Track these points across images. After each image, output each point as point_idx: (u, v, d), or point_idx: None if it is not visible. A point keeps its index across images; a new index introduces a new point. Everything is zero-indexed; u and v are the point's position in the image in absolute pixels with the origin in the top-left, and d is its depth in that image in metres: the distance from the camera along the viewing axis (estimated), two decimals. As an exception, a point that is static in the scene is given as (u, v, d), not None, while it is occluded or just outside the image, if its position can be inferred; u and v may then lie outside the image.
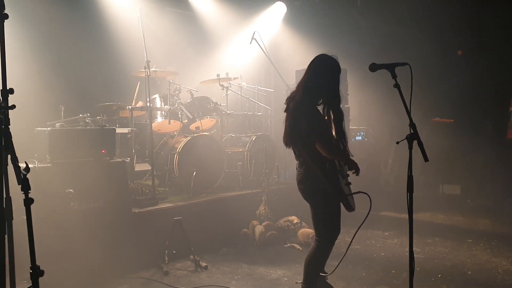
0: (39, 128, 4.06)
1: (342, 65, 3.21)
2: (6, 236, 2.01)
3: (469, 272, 4.18)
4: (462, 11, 7.14)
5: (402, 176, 6.05)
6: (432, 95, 7.35)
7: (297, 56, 7.70)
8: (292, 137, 3.12)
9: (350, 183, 3.18)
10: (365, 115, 7.90)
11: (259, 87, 7.24)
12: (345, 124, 3.14)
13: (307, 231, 5.10)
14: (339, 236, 3.17)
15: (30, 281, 1.99)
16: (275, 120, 7.42)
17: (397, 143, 2.60)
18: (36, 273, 1.99)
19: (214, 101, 6.03)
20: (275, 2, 8.05)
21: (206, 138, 5.65)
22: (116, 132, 4.64)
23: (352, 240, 3.18)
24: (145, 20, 5.24)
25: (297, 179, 3.19)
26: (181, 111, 5.75)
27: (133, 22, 5.39)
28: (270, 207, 5.39)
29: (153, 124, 5.40)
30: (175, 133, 5.84)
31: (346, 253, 3.18)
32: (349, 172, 3.17)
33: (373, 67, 2.65)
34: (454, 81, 7.25)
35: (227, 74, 6.35)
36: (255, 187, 5.89)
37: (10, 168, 2.01)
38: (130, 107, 5.36)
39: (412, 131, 2.46)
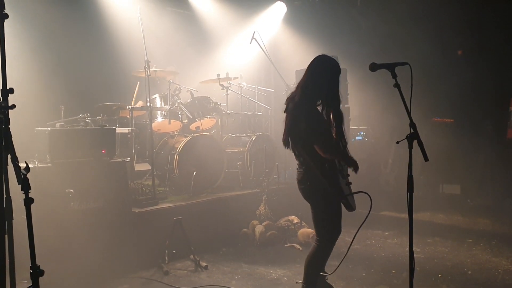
0: (39, 128, 4.06)
1: (342, 65, 3.21)
2: (6, 236, 2.01)
3: (469, 272, 4.18)
4: (462, 11, 7.14)
5: (402, 176, 6.05)
6: (432, 95, 7.35)
7: (297, 56, 7.70)
8: (291, 137, 3.13)
9: (350, 183, 3.18)
10: (365, 115, 7.90)
11: (259, 87, 7.24)
12: (344, 125, 3.14)
13: (307, 231, 5.10)
14: (339, 236, 3.17)
15: (30, 280, 1.99)
16: (275, 120, 7.42)
17: (397, 142, 2.61)
18: (36, 273, 1.99)
19: (214, 101, 6.03)
20: (275, 2, 8.05)
21: (206, 138, 5.65)
22: (116, 132, 4.63)
23: (353, 240, 3.18)
24: (145, 20, 5.24)
25: (297, 179, 3.19)
26: (181, 111, 5.75)
27: (133, 22, 5.39)
28: (270, 207, 5.39)
29: (153, 124, 5.40)
30: (175, 133, 5.84)
31: (347, 253, 3.18)
32: (348, 170, 3.18)
33: (373, 67, 2.65)
34: (454, 81, 7.25)
35: (227, 74, 6.35)
36: (255, 187, 5.89)
37: (10, 168, 2.01)
38: (130, 107, 5.36)
39: (412, 130, 2.46)
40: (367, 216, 3.05)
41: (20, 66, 4.77)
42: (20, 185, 1.97)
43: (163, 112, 5.82)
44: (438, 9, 7.39)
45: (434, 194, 7.62)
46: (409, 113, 2.49)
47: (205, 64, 7.31)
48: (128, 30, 6.03)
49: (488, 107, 7.35)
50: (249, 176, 6.03)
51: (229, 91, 6.42)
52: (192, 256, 4.37)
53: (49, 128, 3.98)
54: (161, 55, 6.43)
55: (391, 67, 2.60)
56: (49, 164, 3.85)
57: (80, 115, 4.97)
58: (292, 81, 6.69)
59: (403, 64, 2.60)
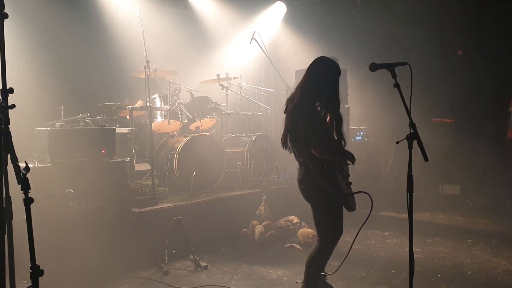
0: (39, 128, 4.06)
1: (342, 65, 3.21)
2: (6, 236, 2.01)
3: (469, 272, 4.18)
4: (462, 11, 7.14)
5: (402, 176, 6.07)
6: (432, 95, 7.35)
7: (297, 56, 7.70)
8: (291, 138, 3.13)
9: (350, 183, 3.18)
10: (365, 115, 7.89)
11: (259, 87, 7.25)
12: (344, 126, 3.14)
13: (307, 231, 5.10)
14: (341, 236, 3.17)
15: (30, 280, 1.99)
16: (275, 120, 7.42)
17: (397, 142, 2.60)
18: (36, 272, 1.99)
19: (214, 101, 6.03)
20: (275, 2, 8.05)
21: (206, 138, 5.65)
22: (116, 132, 4.63)
23: (354, 241, 3.17)
24: (145, 20, 5.24)
25: (297, 179, 3.19)
26: (181, 111, 5.75)
27: (133, 22, 5.39)
28: (270, 207, 5.39)
29: (153, 124, 5.40)
30: (175, 133, 5.84)
31: (348, 254, 3.18)
32: (348, 170, 3.18)
33: (373, 67, 2.65)
34: (454, 81, 7.25)
35: (227, 74, 6.35)
36: (255, 187, 5.89)
37: (10, 167, 2.01)
38: (129, 106, 5.36)
39: (412, 131, 2.46)
40: (368, 217, 3.05)
41: (20, 66, 4.77)
42: (20, 185, 1.97)
43: (163, 112, 5.82)
44: (438, 9, 7.39)
45: (434, 194, 7.63)
46: (409, 113, 2.49)
47: (205, 64, 7.32)
48: (128, 30, 6.03)
49: (488, 107, 7.36)
50: (249, 176, 6.04)
51: (229, 91, 6.42)
52: (192, 256, 4.36)
53: (48, 128, 3.98)
54: (161, 55, 6.43)
55: (391, 67, 2.60)
56: (48, 164, 3.84)
57: (80, 115, 4.97)
58: (292, 81, 6.70)
59: (403, 64, 2.60)
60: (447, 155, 7.04)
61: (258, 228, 5.11)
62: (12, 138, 2.02)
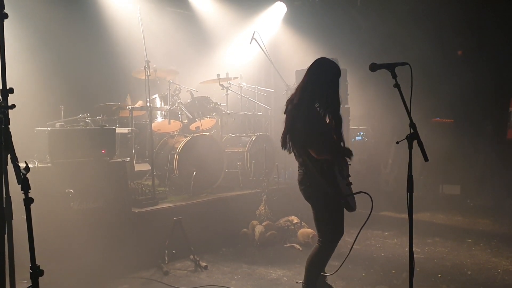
0: (39, 128, 4.06)
1: (342, 65, 3.21)
2: (6, 236, 2.01)
3: (469, 272, 4.18)
4: (462, 11, 7.14)
5: (402, 176, 6.07)
6: (432, 95, 7.35)
7: (297, 56, 7.71)
8: (290, 138, 3.13)
9: (351, 183, 3.18)
10: (365, 115, 7.90)
11: (259, 87, 7.24)
12: (343, 127, 3.15)
13: (307, 231, 5.10)
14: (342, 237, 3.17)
15: (30, 280, 1.99)
16: (275, 120, 7.42)
17: (397, 143, 2.60)
18: (36, 272, 1.99)
19: (214, 101, 6.03)
20: (275, 2, 8.04)
21: (206, 138, 5.65)
22: (116, 132, 4.63)
23: (354, 241, 3.17)
24: (145, 20, 5.24)
25: (298, 180, 3.19)
26: (181, 111, 5.75)
27: (133, 22, 5.39)
28: (270, 207, 5.39)
29: (153, 124, 5.40)
30: (175, 133, 5.84)
31: (348, 254, 3.17)
32: (349, 171, 3.18)
33: (373, 67, 2.65)
34: (454, 81, 7.25)
35: (227, 74, 6.35)
36: (255, 187, 5.89)
37: (10, 168, 2.01)
38: (130, 106, 5.36)
39: (412, 131, 2.46)
40: (368, 217, 3.05)
41: (20, 66, 4.77)
42: (20, 185, 1.97)
43: (163, 112, 5.82)
44: (438, 9, 7.39)
45: (434, 194, 7.63)
46: (409, 113, 2.49)
47: (205, 64, 7.31)
48: (128, 30, 6.04)
49: (488, 108, 7.36)
50: (249, 176, 6.04)
51: (229, 91, 6.42)
52: (192, 256, 4.37)
53: (49, 128, 3.98)
54: (161, 55, 6.43)
55: (391, 67, 2.60)
56: (49, 164, 3.84)
57: (80, 115, 4.97)
58: (292, 81, 6.70)
59: (403, 64, 2.60)
60: (447, 155, 7.04)
61: (258, 228, 5.11)
62: (12, 138, 2.02)
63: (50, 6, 5.40)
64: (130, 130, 5.28)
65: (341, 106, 3.16)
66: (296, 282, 3.80)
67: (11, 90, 2.02)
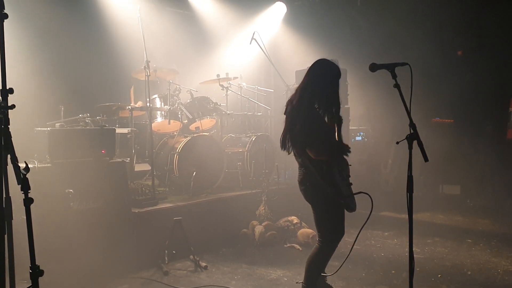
0: (39, 128, 4.06)
1: (342, 66, 3.21)
2: (6, 236, 2.01)
3: (469, 272, 4.18)
4: (462, 11, 7.14)
5: (402, 176, 6.05)
6: (432, 95, 7.35)
7: (297, 56, 7.71)
8: (290, 139, 3.13)
9: (351, 184, 3.18)
10: (365, 116, 7.90)
11: (259, 87, 7.24)
12: (343, 128, 3.15)
13: (307, 231, 5.10)
14: (342, 237, 3.17)
15: (30, 281, 1.99)
16: (275, 120, 7.42)
17: (397, 143, 2.60)
18: (36, 273, 1.99)
19: (214, 101, 6.03)
20: (275, 2, 8.05)
21: (206, 138, 5.65)
22: (116, 132, 4.63)
23: (354, 242, 3.17)
24: (145, 20, 5.24)
25: (298, 180, 3.19)
26: (181, 111, 5.75)
27: (133, 22, 5.39)
28: (270, 207, 5.39)
29: (153, 124, 5.40)
30: (175, 133, 5.84)
31: (349, 254, 3.17)
32: (349, 171, 3.18)
33: (373, 67, 2.65)
34: (454, 81, 7.25)
35: (227, 74, 6.35)
36: (255, 187, 5.89)
37: (10, 168, 2.01)
38: (130, 107, 5.36)
39: (412, 131, 2.46)
40: (368, 217, 3.04)
41: (20, 66, 4.77)
42: (20, 185, 1.97)
43: (163, 113, 5.82)
44: (438, 9, 7.39)
45: (434, 194, 7.62)
46: (409, 113, 2.49)
47: (205, 64, 7.32)
48: (128, 30, 6.04)
49: (488, 108, 7.35)
50: (249, 177, 6.03)
51: (229, 92, 6.42)
52: (191, 257, 4.36)
53: (48, 128, 3.98)
54: (161, 55, 6.44)
55: (391, 68, 2.60)
56: (48, 164, 3.85)
57: (80, 115, 4.96)
58: (292, 82, 6.70)
59: (403, 64, 2.59)
60: (447, 155, 7.04)
61: (258, 229, 5.11)
62: (12, 138, 2.02)
63: (50, 6, 5.41)
64: (130, 130, 5.28)
65: (341, 106, 3.16)
66: (296, 282, 3.80)
67: (11, 90, 2.02)
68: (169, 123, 5.75)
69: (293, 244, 5.05)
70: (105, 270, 3.90)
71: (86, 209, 3.99)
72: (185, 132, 5.90)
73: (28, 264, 1.98)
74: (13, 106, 2.03)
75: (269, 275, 4.12)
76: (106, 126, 4.73)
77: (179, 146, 5.36)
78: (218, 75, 6.23)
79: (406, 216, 2.48)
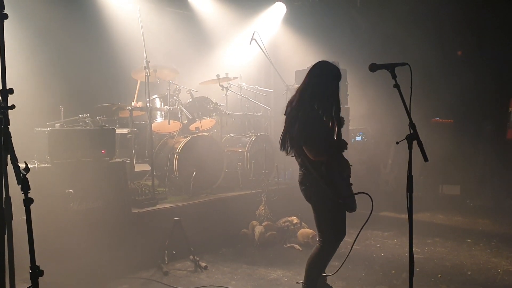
0: (39, 128, 4.06)
1: (342, 66, 3.22)
2: (6, 236, 2.01)
3: (469, 272, 4.18)
4: (462, 11, 7.14)
5: (402, 176, 6.06)
6: (432, 95, 7.35)
7: (297, 57, 7.71)
8: (289, 139, 3.13)
9: (351, 184, 3.18)
10: (365, 116, 7.90)
11: (258, 88, 7.25)
12: (343, 129, 3.15)
13: (307, 231, 5.10)
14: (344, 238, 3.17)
15: (30, 281, 1.99)
16: (275, 120, 7.42)
17: (397, 143, 2.60)
18: (36, 273, 1.99)
19: (214, 101, 6.03)
20: (275, 2, 8.05)
21: (205, 138, 5.65)
22: (116, 132, 4.63)
23: (354, 242, 3.17)
24: (145, 20, 5.24)
25: (298, 180, 3.20)
26: (180, 111, 5.75)
27: (132, 22, 5.39)
28: (269, 207, 5.38)
29: (152, 125, 5.40)
30: (175, 133, 5.84)
31: (348, 254, 3.17)
32: (350, 171, 3.18)
33: (373, 67, 2.66)
34: (454, 81, 7.25)
35: (226, 74, 6.34)
36: (254, 187, 5.89)
37: (10, 168, 2.01)
38: (129, 107, 5.36)
39: (412, 131, 2.46)
40: (368, 218, 3.04)
41: (20, 66, 4.78)
42: (20, 186, 1.97)
43: (163, 113, 5.82)
44: (438, 9, 7.39)
45: (433, 194, 7.62)
46: (408, 113, 2.49)
47: (205, 65, 7.32)
48: (128, 30, 6.04)
49: (488, 108, 7.36)
50: (249, 177, 6.03)
51: (228, 92, 6.42)
52: (191, 257, 4.36)
53: (48, 129, 3.98)
54: (161, 55, 6.44)
55: (390, 68, 2.60)
56: (48, 165, 3.85)
57: (80, 115, 4.96)
58: (291, 82, 6.70)
59: (402, 64, 2.60)
60: (447, 155, 7.04)
61: (258, 229, 5.11)
62: (12, 139, 2.02)
63: (50, 6, 5.41)
64: (130, 131, 5.28)
65: (341, 107, 3.16)
66: (296, 282, 3.80)
67: (11, 91, 2.02)
68: (169, 123, 5.75)
69: (293, 244, 5.05)
70: (105, 270, 3.90)
71: (86, 209, 3.99)
72: (185, 132, 5.90)
73: (28, 264, 1.98)
74: (13, 106, 2.04)
75: (269, 275, 4.12)
76: (106, 126, 4.73)
77: (179, 146, 5.36)
78: (218, 75, 6.23)
79: (406, 216, 2.48)
